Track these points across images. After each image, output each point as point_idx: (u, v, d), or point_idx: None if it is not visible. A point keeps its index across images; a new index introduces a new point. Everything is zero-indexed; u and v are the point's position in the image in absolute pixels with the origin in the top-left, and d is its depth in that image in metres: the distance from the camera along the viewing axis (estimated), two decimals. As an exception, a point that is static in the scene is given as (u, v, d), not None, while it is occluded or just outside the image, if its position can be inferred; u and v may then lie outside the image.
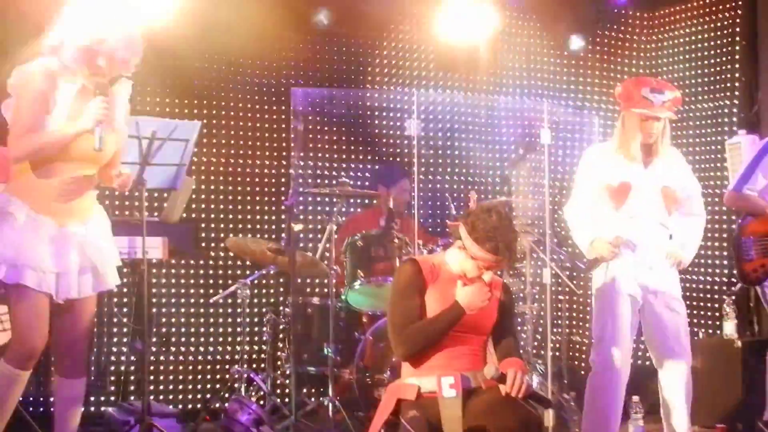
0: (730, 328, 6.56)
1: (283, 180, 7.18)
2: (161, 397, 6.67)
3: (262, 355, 6.57)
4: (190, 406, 6.77)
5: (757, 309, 6.82)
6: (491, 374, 4.27)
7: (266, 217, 7.16)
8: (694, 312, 7.29)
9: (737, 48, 7.42)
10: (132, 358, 6.47)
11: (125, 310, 6.45)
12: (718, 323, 7.02)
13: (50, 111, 4.04)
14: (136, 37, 4.20)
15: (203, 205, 6.95)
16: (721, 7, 7.54)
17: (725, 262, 7.23)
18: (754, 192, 5.59)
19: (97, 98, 4.07)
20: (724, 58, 7.51)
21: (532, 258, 6.76)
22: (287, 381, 6.12)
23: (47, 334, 4.14)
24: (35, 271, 4.02)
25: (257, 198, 7.14)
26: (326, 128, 7.37)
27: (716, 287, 7.34)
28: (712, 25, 7.60)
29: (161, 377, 6.75)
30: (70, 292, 4.12)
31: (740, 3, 7.40)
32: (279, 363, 6.36)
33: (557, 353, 6.89)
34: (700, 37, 7.70)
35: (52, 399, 5.20)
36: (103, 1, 4.17)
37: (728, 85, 7.44)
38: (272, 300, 6.93)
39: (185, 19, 6.60)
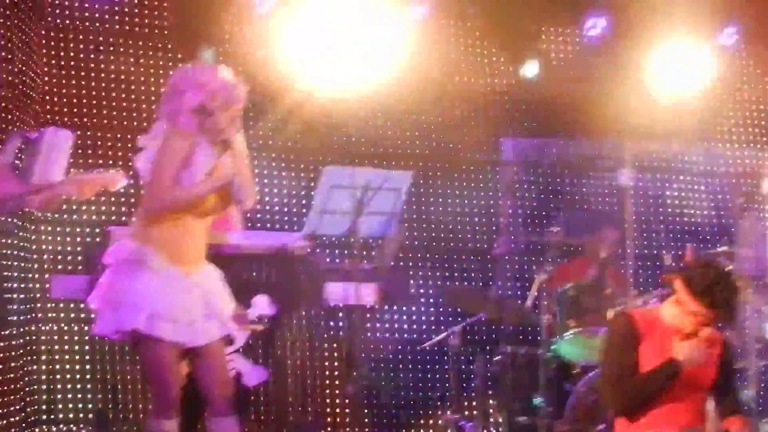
0: None
1: (493, 228, 7.19)
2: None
3: (473, 403, 6.54)
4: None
5: None
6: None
7: (475, 266, 7.18)
8: None
9: None
10: (346, 400, 6.61)
11: (336, 354, 6.62)
12: None
13: (188, 167, 4.15)
14: (241, 87, 4.28)
15: (413, 253, 7.03)
16: None
17: None
18: None
19: (225, 155, 4.18)
20: None
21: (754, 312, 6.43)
22: (497, 430, 6.07)
23: (182, 379, 4.24)
24: (170, 322, 4.10)
25: (467, 246, 7.18)
26: (534, 178, 7.34)
27: None
28: None
29: (374, 420, 6.84)
30: (198, 340, 4.20)
31: None
32: (489, 412, 6.34)
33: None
34: None
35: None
36: (206, 67, 4.35)
37: None
38: (481, 348, 6.91)
39: (398, 72, 6.80)
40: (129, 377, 6.31)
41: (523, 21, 7.14)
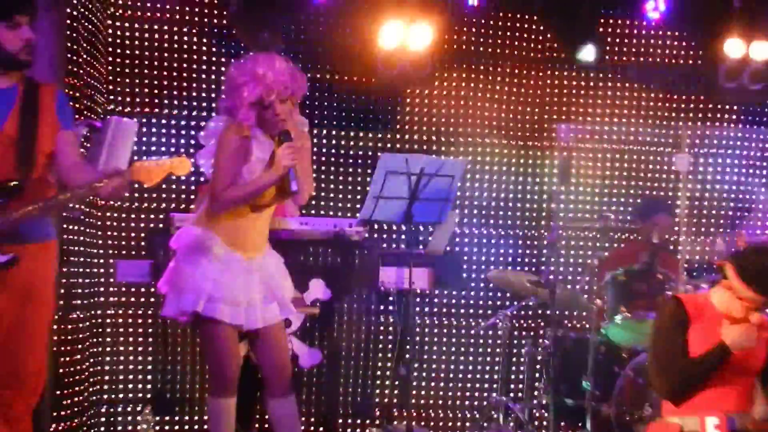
0: None
1: (543, 214, 7.19)
2: (423, 422, 6.82)
3: (520, 385, 6.60)
4: (451, 430, 6.90)
5: None
6: (762, 416, 4.14)
7: (527, 251, 7.17)
8: None
9: None
10: (396, 383, 6.66)
11: (389, 337, 6.70)
12: None
13: (246, 161, 4.23)
14: (302, 76, 4.31)
15: (466, 239, 7.04)
16: None
17: None
18: None
19: (283, 145, 4.21)
20: None
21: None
22: (544, 412, 6.12)
23: (241, 359, 4.36)
24: (229, 305, 4.21)
25: (519, 231, 7.17)
26: (590, 163, 7.31)
27: None
28: None
29: (422, 402, 6.89)
30: (256, 323, 4.29)
31: None
32: (536, 394, 6.38)
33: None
34: None
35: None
36: (264, 57, 4.31)
37: None
38: (530, 332, 6.93)
39: (454, 59, 6.80)
40: (189, 359, 6.45)
41: (581, 6, 7.04)
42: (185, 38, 6.68)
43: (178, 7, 6.66)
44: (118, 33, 6.53)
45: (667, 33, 7.37)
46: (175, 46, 6.65)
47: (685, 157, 6.25)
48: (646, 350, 5.47)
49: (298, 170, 4.27)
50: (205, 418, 6.28)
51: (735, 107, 7.51)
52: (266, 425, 5.72)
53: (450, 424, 6.95)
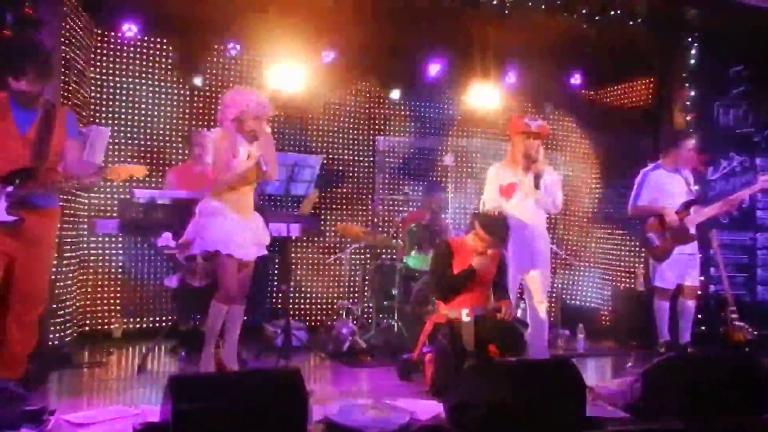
0: (639, 284, 6.55)
1: (370, 189, 7.24)
2: (296, 319, 6.74)
3: (356, 294, 6.66)
4: (314, 323, 6.83)
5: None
6: (492, 306, 4.38)
7: (360, 212, 7.13)
8: (623, 275, 7.22)
9: (650, 109, 7.12)
10: (279, 294, 6.58)
11: (276, 265, 6.59)
12: (632, 281, 6.97)
13: (234, 156, 4.13)
14: (266, 102, 4.22)
15: (324, 205, 6.96)
16: (638, 87, 7.36)
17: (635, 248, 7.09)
18: (645, 203, 5.49)
19: (254, 144, 4.16)
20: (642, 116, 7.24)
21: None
22: (371, 310, 6.21)
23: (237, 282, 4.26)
24: (237, 246, 4.12)
25: (355, 198, 7.12)
26: (396, 160, 7.32)
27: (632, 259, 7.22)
28: (634, 97, 7.38)
29: (296, 306, 6.82)
30: (247, 257, 4.23)
31: (651, 83, 7.18)
32: (365, 299, 6.44)
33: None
34: (625, 101, 7.47)
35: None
36: (242, 90, 4.24)
37: (644, 134, 7.19)
38: (362, 262, 7.00)
39: (316, 95, 6.70)
40: (148, 280, 6.18)
41: (389, 62, 6.97)
42: (143, 76, 6.33)
43: (139, 53, 6.31)
44: (98, 73, 6.15)
45: (445, 87, 7.35)
46: (139, 80, 6.29)
47: (450, 157, 6.43)
48: (429, 271, 5.66)
49: (267, 159, 4.17)
50: (153, 319, 6.12)
51: (479, 128, 7.56)
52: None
53: (313, 319, 6.90)
